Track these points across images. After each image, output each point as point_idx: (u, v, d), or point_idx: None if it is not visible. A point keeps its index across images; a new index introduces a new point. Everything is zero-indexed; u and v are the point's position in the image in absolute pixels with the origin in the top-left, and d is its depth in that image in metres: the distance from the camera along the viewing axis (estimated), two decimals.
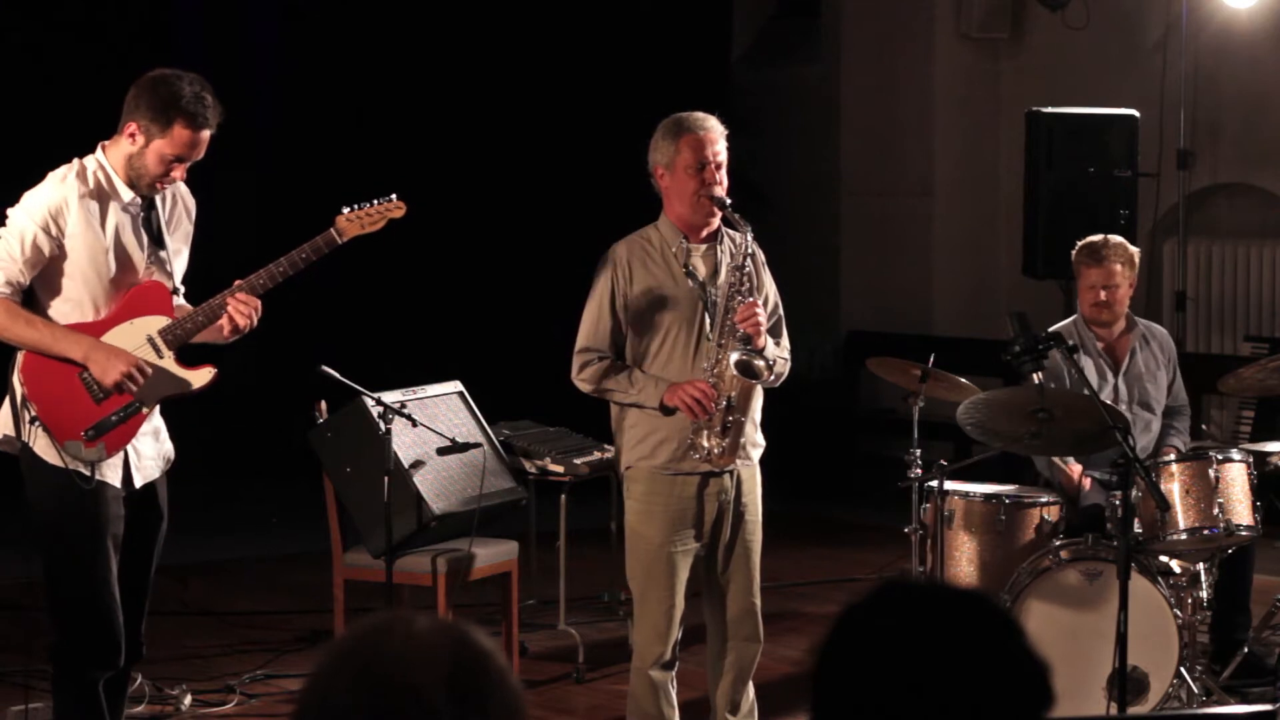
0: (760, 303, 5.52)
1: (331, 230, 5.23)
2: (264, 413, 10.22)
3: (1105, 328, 6.74)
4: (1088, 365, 6.68)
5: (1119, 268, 6.65)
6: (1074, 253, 6.78)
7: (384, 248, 7.50)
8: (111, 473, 5.07)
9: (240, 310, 5.12)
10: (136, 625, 5.22)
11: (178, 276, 5.26)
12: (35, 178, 5.10)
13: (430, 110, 10.96)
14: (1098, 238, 6.76)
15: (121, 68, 5.18)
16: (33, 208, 4.99)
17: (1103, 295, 6.67)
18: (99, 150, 5.06)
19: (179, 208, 5.26)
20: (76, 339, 5.01)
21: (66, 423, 5.01)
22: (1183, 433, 6.80)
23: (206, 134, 5.01)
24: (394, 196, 5.35)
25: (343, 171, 9.76)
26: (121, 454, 5.09)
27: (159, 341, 5.12)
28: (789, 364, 5.68)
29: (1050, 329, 6.82)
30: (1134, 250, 6.74)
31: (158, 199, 5.16)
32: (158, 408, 5.22)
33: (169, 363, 5.15)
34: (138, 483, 5.15)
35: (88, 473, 5.01)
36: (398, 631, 1.94)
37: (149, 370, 5.06)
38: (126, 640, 5.16)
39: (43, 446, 5.02)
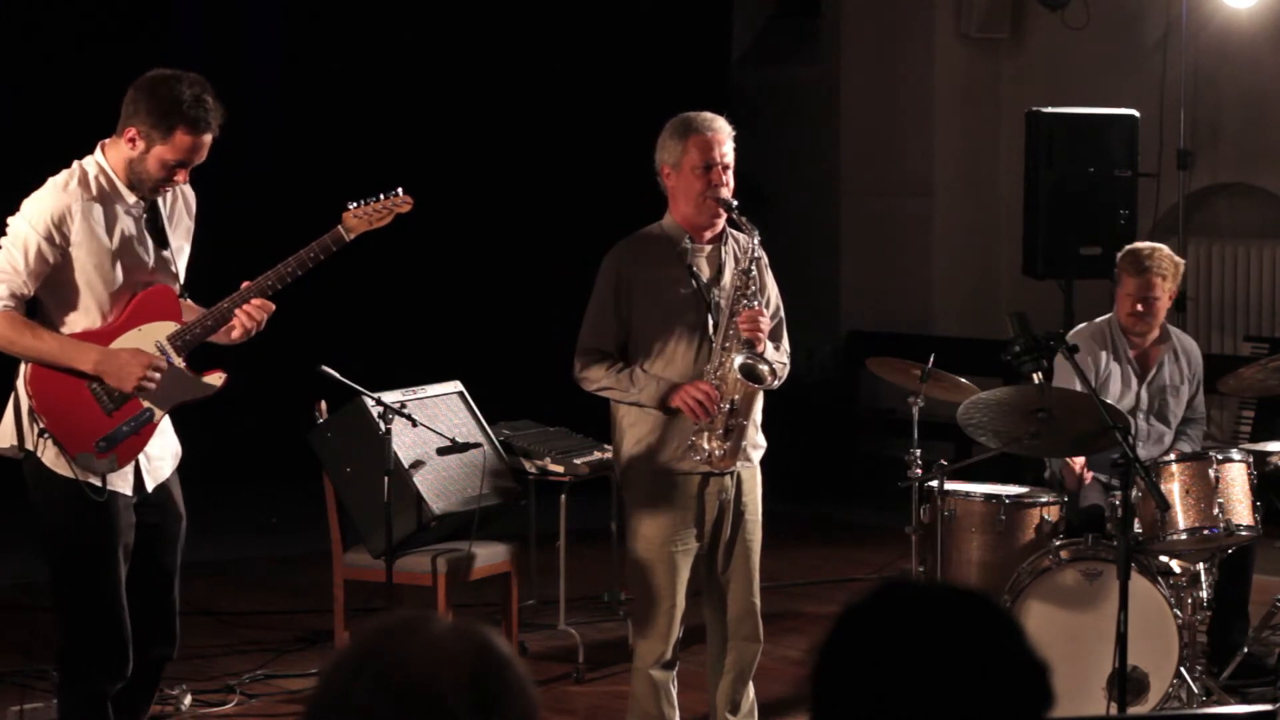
0: (763, 303, 5.52)
1: (339, 228, 5.13)
2: (264, 413, 10.23)
3: (1139, 336, 6.72)
4: (1114, 370, 6.68)
5: (1160, 280, 6.61)
6: (1119, 256, 6.74)
7: (385, 248, 7.51)
8: (122, 482, 4.99)
9: (251, 314, 5.05)
10: (171, 625, 5.16)
11: (182, 277, 5.17)
12: (34, 179, 5.00)
13: (430, 110, 10.95)
14: (1145, 246, 6.72)
15: (121, 67, 5.15)
16: (34, 217, 4.86)
17: (1139, 306, 6.64)
18: (99, 151, 4.95)
19: (179, 204, 5.16)
20: (85, 350, 4.90)
21: (77, 435, 4.91)
22: (1194, 440, 6.78)
23: (208, 137, 4.90)
24: (400, 191, 5.23)
25: (344, 172, 9.76)
26: (132, 462, 5.03)
27: (169, 348, 5.02)
28: (788, 368, 5.68)
29: (1081, 325, 6.84)
30: (1179, 262, 6.69)
31: (158, 198, 5.07)
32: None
33: (181, 369, 5.07)
34: (150, 486, 5.08)
35: (100, 484, 4.92)
36: (419, 634, 1.92)
37: (164, 365, 4.97)
38: (161, 640, 5.12)
39: (52, 458, 4.91)
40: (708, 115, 5.56)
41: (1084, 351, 6.62)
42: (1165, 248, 6.75)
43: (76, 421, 4.92)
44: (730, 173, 5.52)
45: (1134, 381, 6.71)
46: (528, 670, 1.96)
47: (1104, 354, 6.69)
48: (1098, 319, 6.84)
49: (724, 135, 5.53)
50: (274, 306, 5.11)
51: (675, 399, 5.42)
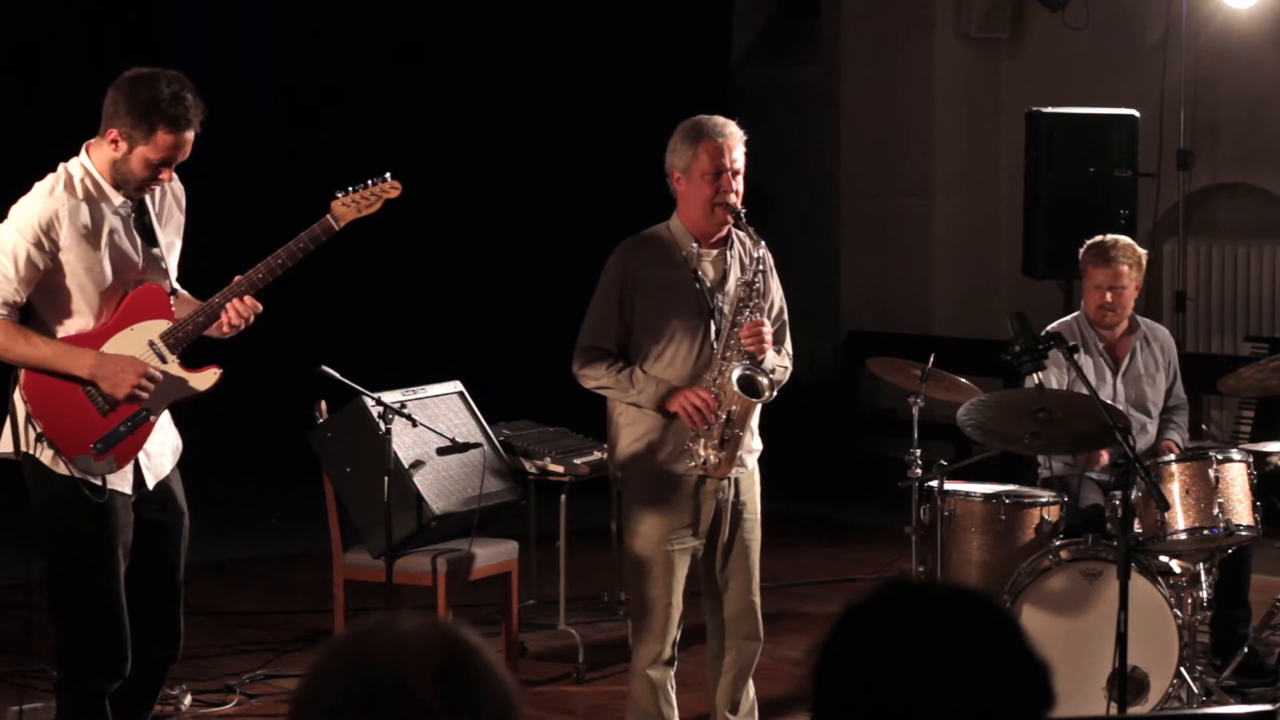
0: (765, 307, 5.51)
1: (328, 217, 5.13)
2: (264, 413, 10.23)
3: (1108, 328, 6.74)
4: (1087, 364, 6.68)
5: (1126, 269, 6.65)
6: (1081, 251, 6.77)
7: (384, 247, 7.50)
8: (121, 481, 4.99)
9: (239, 311, 5.05)
10: (174, 625, 5.16)
11: (174, 272, 5.18)
12: (33, 180, 5.01)
13: (431, 110, 10.95)
14: (1107, 238, 6.76)
15: (121, 67, 5.13)
16: (23, 224, 4.87)
17: (1108, 296, 6.67)
18: (83, 153, 4.95)
19: (169, 199, 5.15)
20: (79, 355, 4.91)
21: (74, 437, 4.92)
22: (1181, 427, 6.81)
23: (190, 134, 4.89)
24: (389, 175, 5.23)
25: (344, 171, 9.74)
26: (131, 461, 5.02)
27: (161, 346, 5.03)
28: (790, 370, 5.67)
29: (1051, 325, 6.85)
30: (1142, 252, 6.74)
31: (146, 195, 5.06)
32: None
33: (174, 367, 5.06)
34: (150, 484, 5.08)
35: (99, 483, 4.93)
36: (385, 630, 1.96)
37: (159, 375, 4.98)
38: (164, 640, 5.12)
39: (50, 458, 4.93)
40: (720, 120, 5.52)
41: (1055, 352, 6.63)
42: (1126, 238, 6.79)
43: (73, 424, 4.93)
44: (740, 178, 5.49)
45: (1108, 374, 6.73)
46: (497, 656, 1.98)
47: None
48: (1065, 317, 6.87)
49: (735, 141, 5.50)
50: (261, 307, 5.10)
51: (673, 404, 5.41)
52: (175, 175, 5.14)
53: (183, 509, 5.19)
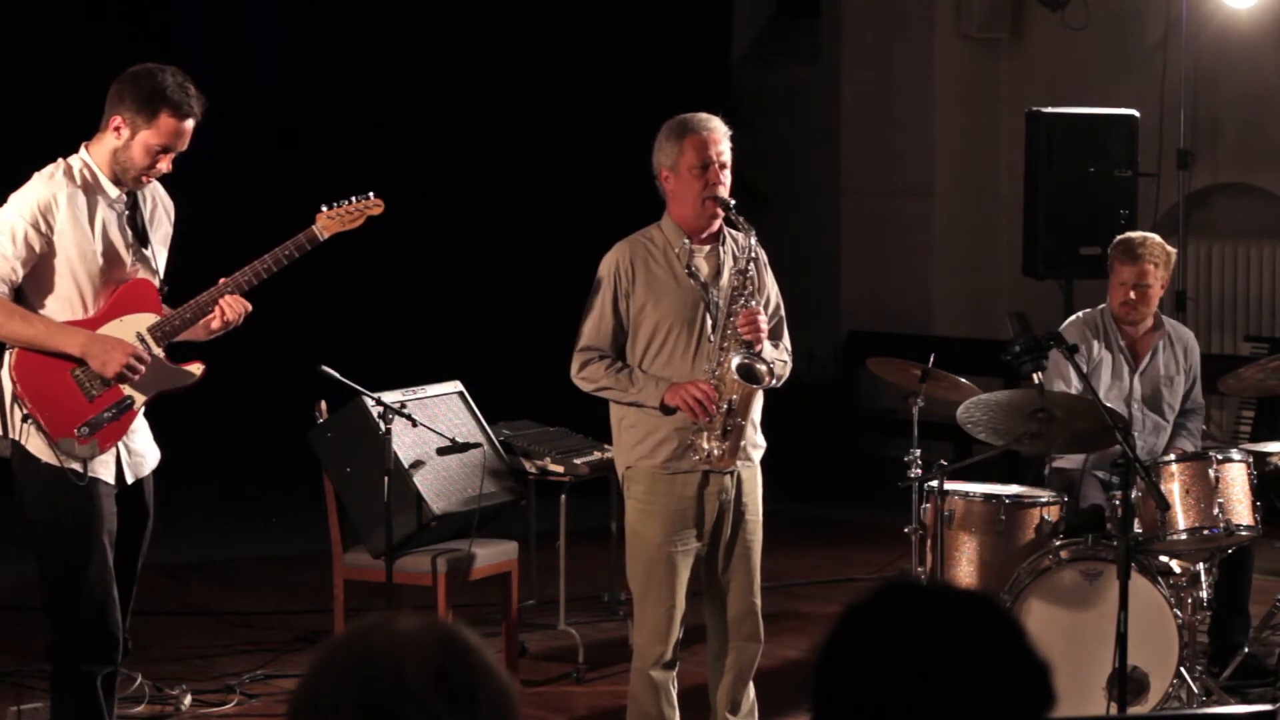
0: (762, 304, 5.52)
1: (313, 228, 5.33)
2: (264, 413, 10.23)
3: (1132, 325, 6.74)
4: (1106, 360, 6.69)
5: (1152, 268, 6.64)
6: (1110, 247, 6.77)
7: (384, 247, 7.50)
8: (104, 470, 5.08)
9: (232, 306, 5.18)
10: (125, 619, 5.21)
11: (160, 276, 5.28)
12: (30, 175, 5.09)
13: (430, 110, 10.96)
14: (1136, 235, 6.76)
15: (121, 67, 5.16)
16: (22, 206, 5.01)
17: (1133, 294, 6.66)
18: (82, 149, 5.10)
19: (159, 209, 5.31)
20: (72, 333, 5.02)
21: (59, 420, 5.01)
22: (1194, 434, 6.79)
23: (191, 123, 5.06)
24: (371, 194, 5.44)
25: (345, 171, 9.75)
26: (114, 450, 5.11)
27: (148, 339, 5.15)
28: (789, 366, 5.68)
29: (1073, 315, 6.86)
30: (1171, 251, 6.72)
31: (140, 199, 5.19)
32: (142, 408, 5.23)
33: (161, 359, 5.18)
34: (129, 479, 5.17)
35: (81, 470, 5.01)
36: (383, 629, 1.96)
37: (147, 357, 5.09)
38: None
39: (36, 445, 5.02)
40: (703, 115, 5.56)
41: (1074, 340, 6.63)
42: (1156, 236, 6.79)
43: (59, 406, 5.03)
44: (728, 171, 5.53)
45: (1126, 371, 6.72)
46: (495, 656, 1.99)
47: (1096, 343, 6.70)
48: (1089, 309, 6.87)
49: (720, 134, 5.53)
50: (250, 307, 5.24)
51: (674, 398, 5.42)
52: (166, 193, 5.26)
53: (149, 511, 5.30)
